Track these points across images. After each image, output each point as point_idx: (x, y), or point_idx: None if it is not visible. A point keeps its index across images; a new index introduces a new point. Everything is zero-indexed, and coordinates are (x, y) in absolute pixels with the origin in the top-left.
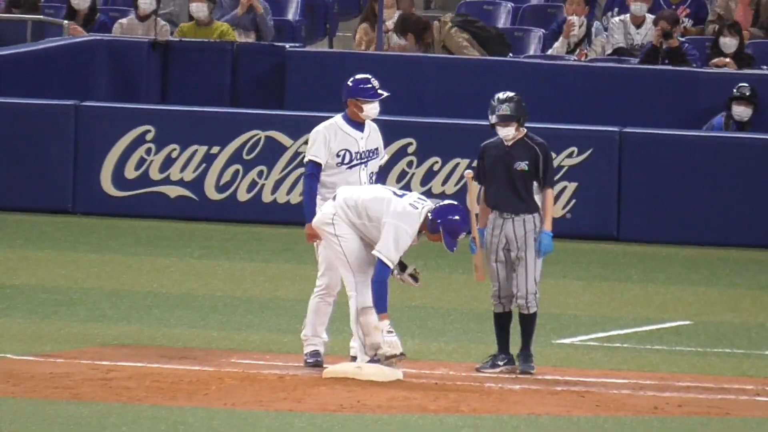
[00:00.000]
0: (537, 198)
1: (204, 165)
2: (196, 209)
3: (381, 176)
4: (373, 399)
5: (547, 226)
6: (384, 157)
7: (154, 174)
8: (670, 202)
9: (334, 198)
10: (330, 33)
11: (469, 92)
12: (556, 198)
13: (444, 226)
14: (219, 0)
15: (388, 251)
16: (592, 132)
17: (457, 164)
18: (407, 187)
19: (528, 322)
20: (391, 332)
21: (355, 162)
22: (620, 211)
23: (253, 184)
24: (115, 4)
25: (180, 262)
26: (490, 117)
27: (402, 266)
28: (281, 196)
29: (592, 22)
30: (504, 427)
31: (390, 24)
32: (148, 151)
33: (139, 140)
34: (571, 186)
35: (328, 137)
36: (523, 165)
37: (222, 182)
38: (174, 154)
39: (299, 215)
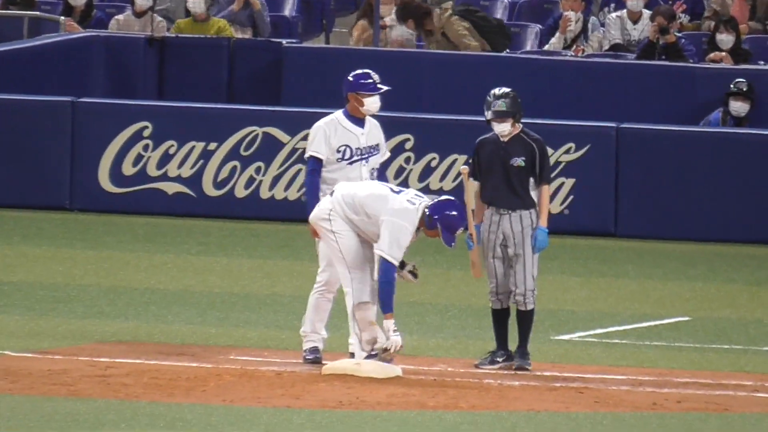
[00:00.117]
0: (533, 194)
1: (201, 161)
2: (193, 205)
3: (382, 172)
4: (372, 395)
5: (543, 223)
6: (386, 153)
7: (152, 170)
8: (668, 198)
9: (331, 194)
10: (326, 29)
11: (466, 88)
12: (554, 194)
13: (441, 222)
14: None
15: (391, 249)
16: (589, 128)
17: (455, 160)
18: (405, 184)
19: (525, 318)
20: (396, 332)
21: (355, 158)
22: (617, 207)
23: (251, 180)
24: (112, 0)
25: (178, 258)
26: (485, 113)
27: (401, 264)
28: (279, 192)
29: (588, 18)
30: (503, 423)
31: (388, 20)
32: (146, 148)
33: (137, 136)
34: (569, 182)
35: (328, 133)
36: (519, 161)
37: (220, 178)
38: (171, 151)
39: (297, 211)
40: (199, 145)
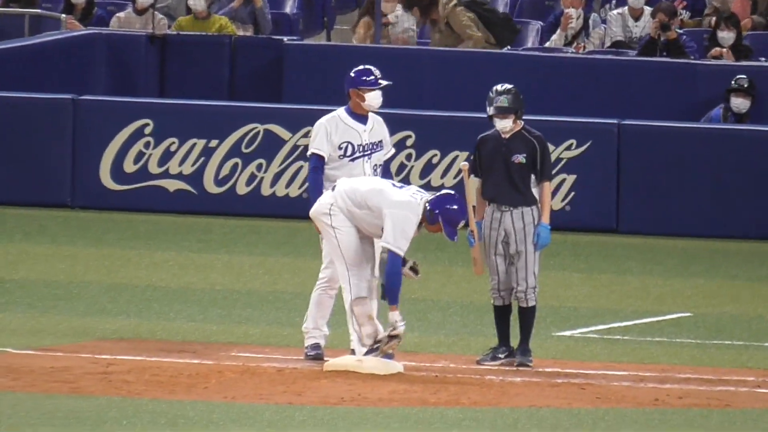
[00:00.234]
0: (534, 191)
1: (203, 158)
2: (195, 203)
3: (386, 169)
4: (374, 392)
5: (545, 219)
6: (391, 150)
7: (153, 168)
8: (669, 194)
9: (333, 188)
10: (328, 26)
11: (467, 85)
12: (555, 190)
13: (443, 216)
14: None
15: (396, 240)
16: (591, 124)
17: (456, 157)
18: (406, 180)
19: (527, 315)
20: (403, 323)
21: (357, 154)
22: (619, 204)
23: (252, 177)
24: None
25: (179, 255)
26: (488, 109)
27: (402, 261)
28: (280, 190)
29: (589, 15)
30: (505, 419)
31: (391, 17)
32: (147, 145)
33: (138, 134)
34: (570, 178)
35: (329, 130)
36: (520, 158)
37: (221, 176)
38: (173, 148)
39: (298, 208)
40: (201, 143)
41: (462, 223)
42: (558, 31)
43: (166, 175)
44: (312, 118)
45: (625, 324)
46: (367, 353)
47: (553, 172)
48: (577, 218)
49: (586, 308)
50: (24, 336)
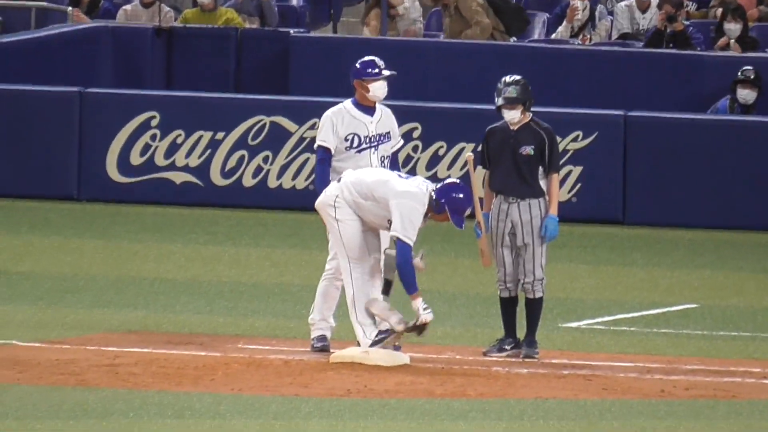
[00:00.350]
0: (542, 183)
1: (209, 151)
2: (201, 195)
3: (394, 160)
4: (380, 384)
5: (553, 211)
6: (399, 142)
7: (160, 160)
8: (675, 186)
9: (339, 180)
10: (334, 18)
11: (473, 77)
12: (561, 182)
13: (449, 205)
14: None
15: (405, 230)
16: (597, 116)
17: (463, 149)
18: (413, 172)
19: (534, 307)
20: (427, 309)
21: (364, 146)
22: (625, 195)
23: (259, 169)
24: None
25: (185, 248)
26: (496, 99)
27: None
28: (287, 182)
29: (595, 6)
30: (511, 411)
31: (401, 9)
32: (153, 137)
33: (144, 126)
34: (577, 170)
35: (335, 122)
36: (528, 149)
37: (227, 168)
38: (179, 140)
39: (305, 200)
40: (207, 135)
41: (468, 211)
42: (564, 22)
43: (172, 167)
44: (318, 110)
45: (631, 315)
46: (373, 344)
47: (560, 163)
48: (583, 210)
49: (592, 300)
50: (30, 329)
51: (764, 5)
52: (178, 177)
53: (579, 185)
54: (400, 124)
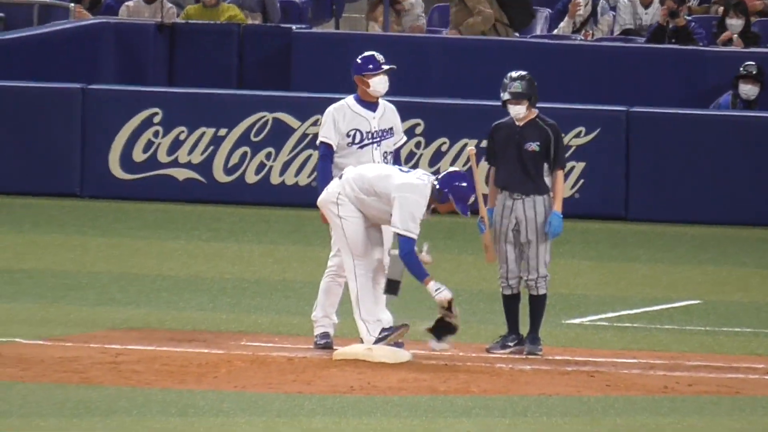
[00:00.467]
0: (547, 180)
1: (212, 147)
2: (204, 191)
3: (397, 156)
4: (383, 381)
5: (557, 208)
6: (402, 138)
7: (162, 157)
8: (678, 181)
9: (340, 177)
10: (336, 14)
11: (476, 73)
12: (564, 178)
13: (453, 194)
14: None
15: (406, 224)
16: (600, 112)
17: (465, 145)
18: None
19: (537, 303)
20: (439, 290)
21: (366, 141)
22: (628, 191)
23: (262, 166)
24: None
25: (188, 244)
26: (501, 94)
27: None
28: (289, 178)
29: (597, 2)
30: (514, 407)
31: (407, 5)
32: (156, 134)
33: (147, 123)
34: (579, 166)
35: (336, 118)
36: (534, 146)
37: (230, 164)
38: (182, 137)
39: (308, 197)
40: (210, 131)
41: (472, 198)
42: (566, 18)
43: (175, 164)
44: (321, 106)
45: (634, 311)
46: (376, 342)
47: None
48: (586, 206)
49: (595, 296)
50: (33, 326)
51: None
52: (181, 174)
53: (582, 181)
54: (402, 120)
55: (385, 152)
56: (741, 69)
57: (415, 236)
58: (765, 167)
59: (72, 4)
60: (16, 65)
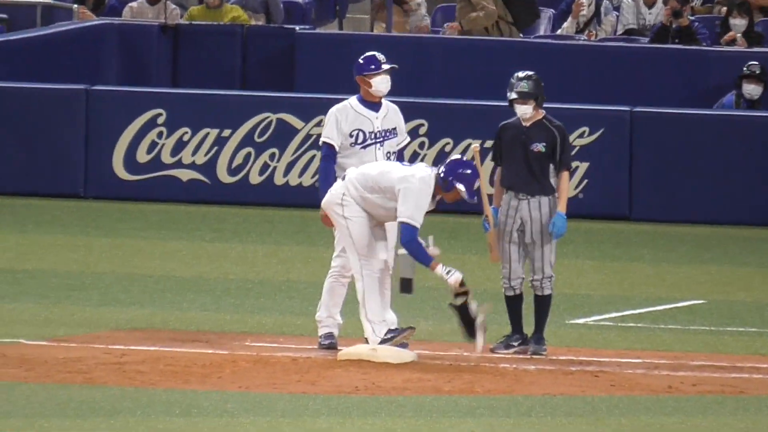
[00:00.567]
0: (553, 181)
1: (216, 148)
2: (208, 192)
3: (400, 156)
4: (387, 381)
5: (562, 208)
6: (406, 139)
7: (166, 157)
8: (682, 181)
9: (343, 178)
10: (340, 15)
11: (480, 73)
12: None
13: (458, 181)
14: None
15: (410, 212)
16: (603, 112)
17: (469, 145)
18: None
19: (542, 304)
20: (450, 272)
21: (369, 141)
22: (632, 191)
23: (265, 166)
24: None
25: (192, 245)
26: (508, 94)
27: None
28: (293, 179)
29: (601, 2)
30: (519, 407)
31: (413, 5)
32: (160, 135)
33: (151, 124)
34: (583, 166)
35: (339, 118)
36: (540, 146)
37: (234, 165)
38: (185, 138)
39: (311, 197)
40: (213, 132)
41: (477, 184)
42: (569, 18)
43: (179, 164)
44: (324, 107)
45: (638, 311)
46: (382, 343)
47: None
48: (589, 206)
49: (599, 296)
50: (37, 327)
51: None
52: (185, 174)
53: (585, 181)
54: (406, 121)
55: (388, 152)
56: (744, 69)
57: (418, 225)
58: None
59: (75, 5)
60: (20, 66)
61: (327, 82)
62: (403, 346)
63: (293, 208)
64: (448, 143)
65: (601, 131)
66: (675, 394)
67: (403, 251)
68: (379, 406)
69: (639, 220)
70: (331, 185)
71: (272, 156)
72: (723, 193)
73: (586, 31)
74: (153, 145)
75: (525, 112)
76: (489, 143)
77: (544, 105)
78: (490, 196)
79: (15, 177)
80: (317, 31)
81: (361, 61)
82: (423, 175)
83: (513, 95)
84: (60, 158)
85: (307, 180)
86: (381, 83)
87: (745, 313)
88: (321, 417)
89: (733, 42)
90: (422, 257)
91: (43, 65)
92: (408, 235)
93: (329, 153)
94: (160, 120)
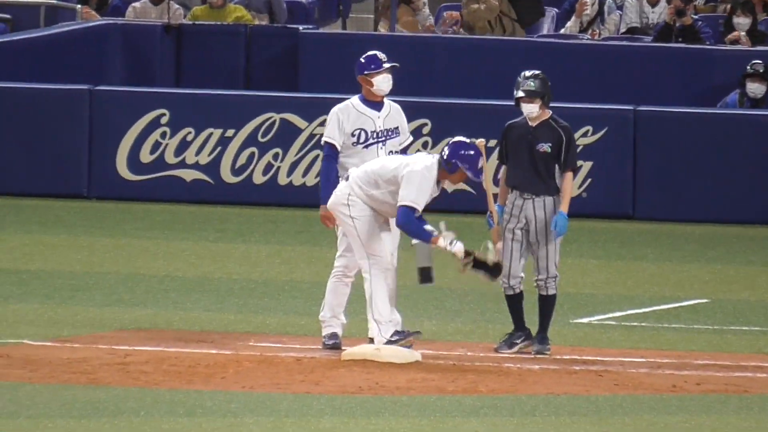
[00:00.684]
0: (559, 181)
1: (219, 148)
2: (211, 192)
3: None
4: (391, 381)
5: (564, 208)
6: (408, 138)
7: (170, 158)
8: (685, 180)
9: (346, 178)
10: (343, 14)
11: (483, 72)
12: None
13: (461, 161)
14: None
15: (411, 196)
16: (607, 111)
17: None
18: None
19: (547, 303)
20: (452, 242)
21: (371, 141)
22: (635, 190)
23: (269, 166)
24: None
25: (196, 245)
26: (515, 92)
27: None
28: (297, 179)
29: (604, 1)
30: (523, 407)
31: (420, 4)
32: (163, 135)
33: (154, 124)
34: (587, 165)
35: (341, 118)
36: (545, 147)
37: (237, 165)
38: (189, 138)
39: (315, 197)
40: (217, 132)
41: (481, 163)
42: (573, 17)
43: (182, 164)
44: (328, 106)
45: (642, 311)
46: (387, 344)
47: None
48: (593, 205)
49: (603, 295)
50: (41, 327)
51: None
52: (189, 174)
53: (589, 180)
54: (409, 120)
55: (391, 152)
56: (748, 68)
57: (418, 207)
58: None
59: (79, 5)
60: (23, 66)
61: (330, 82)
62: (407, 346)
63: (297, 208)
64: None
65: (604, 130)
66: (679, 393)
67: (416, 240)
68: (383, 406)
69: (643, 219)
70: (332, 185)
71: (276, 156)
72: (727, 192)
73: (590, 30)
74: (156, 145)
75: (531, 110)
76: (492, 143)
77: (550, 104)
78: (495, 195)
79: (18, 177)
80: (320, 30)
81: (362, 61)
82: (425, 161)
83: (520, 93)
84: (63, 158)
85: (311, 180)
86: (383, 82)
87: (749, 312)
88: (325, 417)
89: (736, 42)
90: (423, 234)
91: (46, 65)
92: (404, 217)
93: (331, 153)
94: (164, 120)
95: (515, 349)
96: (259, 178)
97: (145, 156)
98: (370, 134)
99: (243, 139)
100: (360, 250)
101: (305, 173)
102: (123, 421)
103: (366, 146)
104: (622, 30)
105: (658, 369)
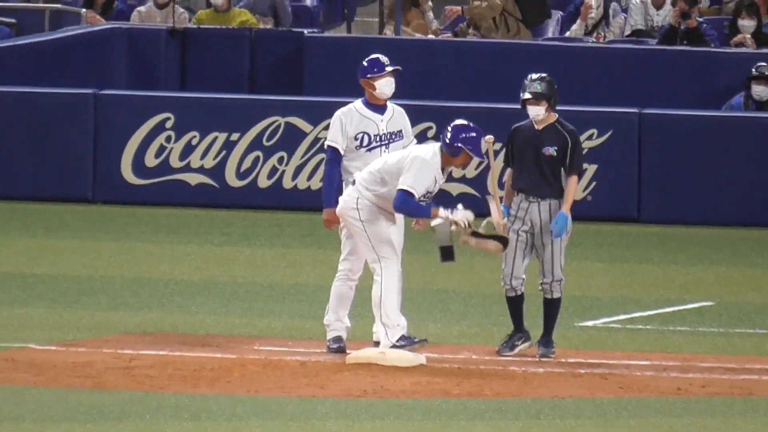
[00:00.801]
0: (565, 185)
1: (224, 152)
2: (216, 196)
3: None
4: (396, 384)
5: (565, 209)
6: (412, 141)
7: (174, 162)
8: (690, 183)
9: (353, 182)
10: (348, 18)
11: (488, 76)
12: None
13: (464, 143)
14: None
15: (410, 180)
16: (612, 114)
17: None
18: None
19: (552, 307)
20: (453, 210)
21: (374, 144)
22: (640, 193)
23: (274, 170)
24: None
25: (201, 249)
26: (521, 94)
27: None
28: (302, 182)
29: (609, 4)
30: (527, 410)
31: (426, 6)
32: (168, 139)
33: (159, 128)
34: (591, 168)
35: (344, 121)
36: (551, 150)
37: (242, 169)
38: (194, 142)
39: (320, 201)
40: (222, 136)
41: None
42: (578, 20)
43: (187, 168)
44: (333, 110)
45: (647, 313)
46: (391, 348)
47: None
48: (598, 208)
49: (608, 298)
50: (46, 331)
51: None
52: (193, 178)
53: (594, 183)
54: (414, 124)
55: None
56: (753, 70)
57: (415, 192)
58: None
59: (84, 10)
60: (28, 71)
61: (335, 85)
62: (413, 350)
63: (301, 212)
64: None
65: (609, 133)
66: (684, 395)
67: (437, 221)
68: (388, 409)
69: (647, 221)
70: (335, 189)
71: (281, 160)
72: (731, 195)
73: (595, 33)
74: (161, 149)
75: (537, 113)
76: (497, 146)
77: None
78: (500, 199)
79: (24, 181)
80: (326, 34)
81: (365, 64)
82: (427, 149)
83: (526, 95)
84: (69, 162)
85: (316, 183)
86: (385, 86)
87: (755, 315)
88: (330, 420)
89: (742, 43)
90: (422, 211)
91: (51, 70)
92: (400, 200)
93: (334, 156)
94: (169, 124)
95: (516, 350)
96: (264, 182)
97: (150, 160)
98: (373, 138)
99: (248, 143)
100: (371, 253)
101: (310, 177)
102: (128, 426)
103: (369, 150)
104: (627, 33)
105: (663, 372)
